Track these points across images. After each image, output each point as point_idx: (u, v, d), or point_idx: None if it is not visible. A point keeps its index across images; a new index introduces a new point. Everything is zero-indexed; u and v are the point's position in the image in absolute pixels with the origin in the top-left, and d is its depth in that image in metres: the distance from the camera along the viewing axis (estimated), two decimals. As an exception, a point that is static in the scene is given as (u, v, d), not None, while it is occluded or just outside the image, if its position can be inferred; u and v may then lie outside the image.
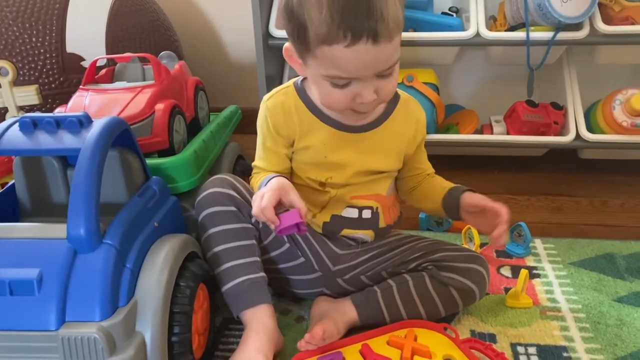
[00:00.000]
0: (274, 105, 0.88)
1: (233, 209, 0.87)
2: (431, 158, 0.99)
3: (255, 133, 1.51)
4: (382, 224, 0.94)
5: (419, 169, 0.97)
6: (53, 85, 1.29)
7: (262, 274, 0.87)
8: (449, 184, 0.95)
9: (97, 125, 0.76)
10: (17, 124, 0.79)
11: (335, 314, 0.89)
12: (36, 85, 1.28)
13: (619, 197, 1.38)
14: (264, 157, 0.91)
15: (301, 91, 0.89)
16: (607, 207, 1.35)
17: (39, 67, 1.28)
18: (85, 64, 1.29)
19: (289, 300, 0.99)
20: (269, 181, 0.82)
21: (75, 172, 0.71)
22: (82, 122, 0.78)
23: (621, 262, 1.09)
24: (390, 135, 0.91)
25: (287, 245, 0.93)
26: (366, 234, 0.94)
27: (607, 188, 1.42)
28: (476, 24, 1.30)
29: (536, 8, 1.26)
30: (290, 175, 0.92)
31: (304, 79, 0.89)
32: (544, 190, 1.42)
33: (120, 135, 0.79)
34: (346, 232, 0.93)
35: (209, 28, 1.80)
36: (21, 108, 1.29)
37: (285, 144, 0.89)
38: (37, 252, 0.70)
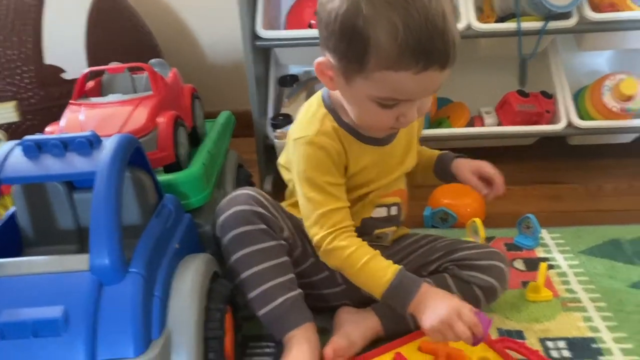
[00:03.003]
0: (326, 142, 0.81)
1: (263, 226, 0.82)
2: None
3: (244, 135, 1.49)
4: (402, 217, 0.96)
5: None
6: (32, 100, 1.21)
7: (300, 290, 0.84)
8: (434, 153, 0.99)
9: (110, 145, 0.71)
10: (20, 147, 0.73)
11: (351, 326, 0.87)
12: (15, 102, 1.20)
13: (610, 181, 1.40)
14: (338, 196, 0.83)
15: (335, 114, 0.84)
16: (602, 192, 1.37)
17: (16, 82, 1.20)
18: (66, 76, 1.22)
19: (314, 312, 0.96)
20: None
21: (94, 198, 0.66)
22: (92, 142, 0.73)
23: (628, 247, 1.11)
24: (407, 134, 0.91)
25: (312, 259, 0.90)
26: (391, 230, 0.95)
27: (599, 173, 1.44)
28: (467, 16, 1.29)
29: (527, -1, 1.27)
30: None
31: (329, 95, 0.85)
32: (539, 179, 1.43)
33: (131, 154, 0.74)
34: (377, 232, 0.92)
35: (188, 32, 1.74)
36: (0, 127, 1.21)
37: (342, 175, 0.85)
38: (58, 288, 0.65)
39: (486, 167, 0.94)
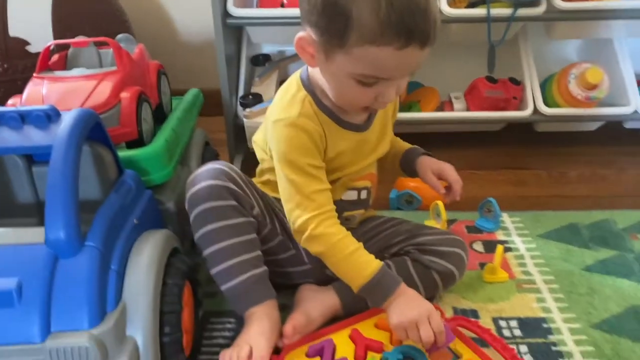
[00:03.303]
0: (308, 125, 0.81)
1: (233, 203, 0.82)
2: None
3: (214, 114, 1.49)
4: (371, 200, 0.97)
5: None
6: (-4, 73, 1.20)
7: (265, 267, 0.85)
8: (405, 145, 1.00)
9: (68, 119, 0.71)
10: (-24, 120, 0.72)
11: (311, 303, 0.88)
12: (-23, 74, 1.18)
13: (574, 168, 1.44)
14: (320, 178, 0.83)
15: (315, 96, 0.83)
16: (565, 178, 1.40)
17: (-21, 53, 1.18)
18: (31, 49, 1.20)
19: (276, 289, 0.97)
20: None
21: (49, 171, 0.66)
22: (50, 116, 0.73)
23: (585, 232, 1.14)
24: (381, 120, 0.92)
25: (280, 237, 0.91)
26: (359, 213, 0.96)
27: (564, 160, 1.47)
28: (438, 0, 1.30)
29: (496, -15, 1.28)
30: None
31: (308, 77, 0.84)
32: (504, 164, 1.46)
33: (90, 128, 0.74)
34: (347, 214, 0.93)
35: (159, 9, 1.72)
36: (-38, 99, 1.19)
37: (322, 158, 0.84)
38: (13, 260, 0.65)
39: (448, 171, 0.95)
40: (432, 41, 0.71)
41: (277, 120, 0.81)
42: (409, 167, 0.99)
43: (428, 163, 0.96)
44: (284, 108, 0.82)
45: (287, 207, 0.83)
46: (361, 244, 0.82)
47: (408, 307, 0.79)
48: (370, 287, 0.80)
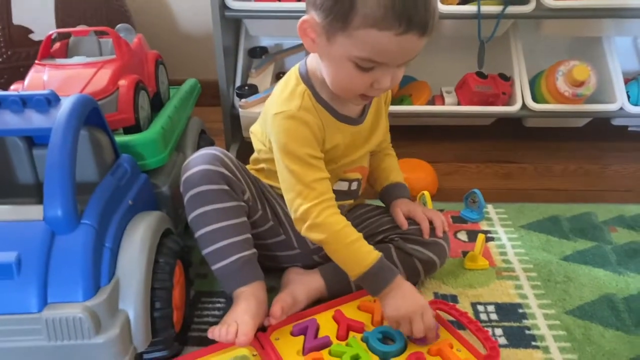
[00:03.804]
0: (307, 117, 0.84)
1: (225, 187, 0.86)
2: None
3: (213, 105, 1.52)
4: (360, 192, 1.00)
5: (383, 143, 1.02)
6: (0, 60, 1.23)
7: (254, 250, 0.88)
8: (391, 177, 1.03)
9: (67, 103, 0.74)
10: (-21, 103, 0.76)
11: (297, 286, 0.92)
12: (-19, 60, 1.22)
13: (560, 162, 1.47)
14: (320, 167, 0.86)
15: (313, 90, 0.86)
16: (551, 172, 1.43)
17: (-17, 40, 1.22)
18: (34, 37, 1.24)
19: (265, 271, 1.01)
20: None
21: (48, 152, 0.70)
22: (50, 101, 0.76)
23: (565, 224, 1.18)
24: (375, 110, 0.94)
25: (271, 222, 0.95)
26: (348, 203, 0.99)
27: (550, 155, 1.51)
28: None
29: (486, -18, 1.31)
30: None
31: (306, 72, 0.87)
32: (493, 158, 1.49)
33: (88, 114, 0.78)
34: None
35: (160, 0, 1.75)
36: (-34, 84, 1.23)
37: (321, 149, 0.87)
38: (13, 235, 0.69)
39: (416, 211, 0.97)
40: (430, 31, 0.75)
41: (277, 113, 0.84)
42: (385, 202, 1.03)
43: (399, 204, 0.99)
44: (284, 101, 0.85)
45: (288, 196, 0.86)
46: (361, 234, 0.85)
47: (403, 301, 0.82)
48: (368, 276, 0.83)
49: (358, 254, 0.84)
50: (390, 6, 0.71)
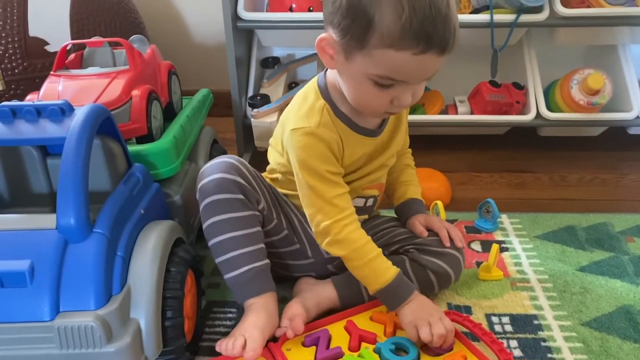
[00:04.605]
0: (326, 134, 0.83)
1: (240, 196, 0.85)
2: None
3: (225, 115, 1.53)
4: (375, 207, 1.00)
5: (401, 151, 1.01)
6: (16, 71, 1.25)
7: (267, 260, 0.88)
8: (409, 193, 1.02)
9: (81, 113, 0.75)
10: (-5, 113, 0.77)
11: (308, 295, 0.92)
12: (-2, 71, 1.24)
13: (576, 172, 1.45)
14: (339, 182, 0.86)
15: (332, 104, 0.85)
16: (566, 182, 1.42)
17: (0, 52, 1.23)
18: (50, 49, 1.26)
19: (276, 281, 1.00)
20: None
21: (62, 161, 0.70)
22: (64, 110, 0.77)
23: (581, 234, 1.16)
24: (396, 117, 0.94)
25: (286, 231, 0.94)
26: (363, 218, 0.99)
27: (565, 164, 1.49)
28: (444, 6, 1.33)
29: (500, -9, 1.31)
30: None
31: (325, 85, 0.86)
32: (507, 167, 1.48)
33: (101, 123, 0.78)
34: None
35: (172, 10, 1.77)
36: (-17, 95, 1.25)
37: (340, 164, 0.87)
38: (27, 244, 0.70)
39: (433, 221, 0.97)
40: (451, 49, 0.73)
41: (296, 129, 0.83)
42: (401, 218, 1.02)
43: (417, 217, 0.99)
44: (303, 117, 0.84)
45: (308, 211, 0.86)
46: (380, 250, 0.86)
47: (421, 308, 0.83)
48: (387, 291, 0.84)
49: (378, 270, 0.85)
50: (408, 25, 0.69)
